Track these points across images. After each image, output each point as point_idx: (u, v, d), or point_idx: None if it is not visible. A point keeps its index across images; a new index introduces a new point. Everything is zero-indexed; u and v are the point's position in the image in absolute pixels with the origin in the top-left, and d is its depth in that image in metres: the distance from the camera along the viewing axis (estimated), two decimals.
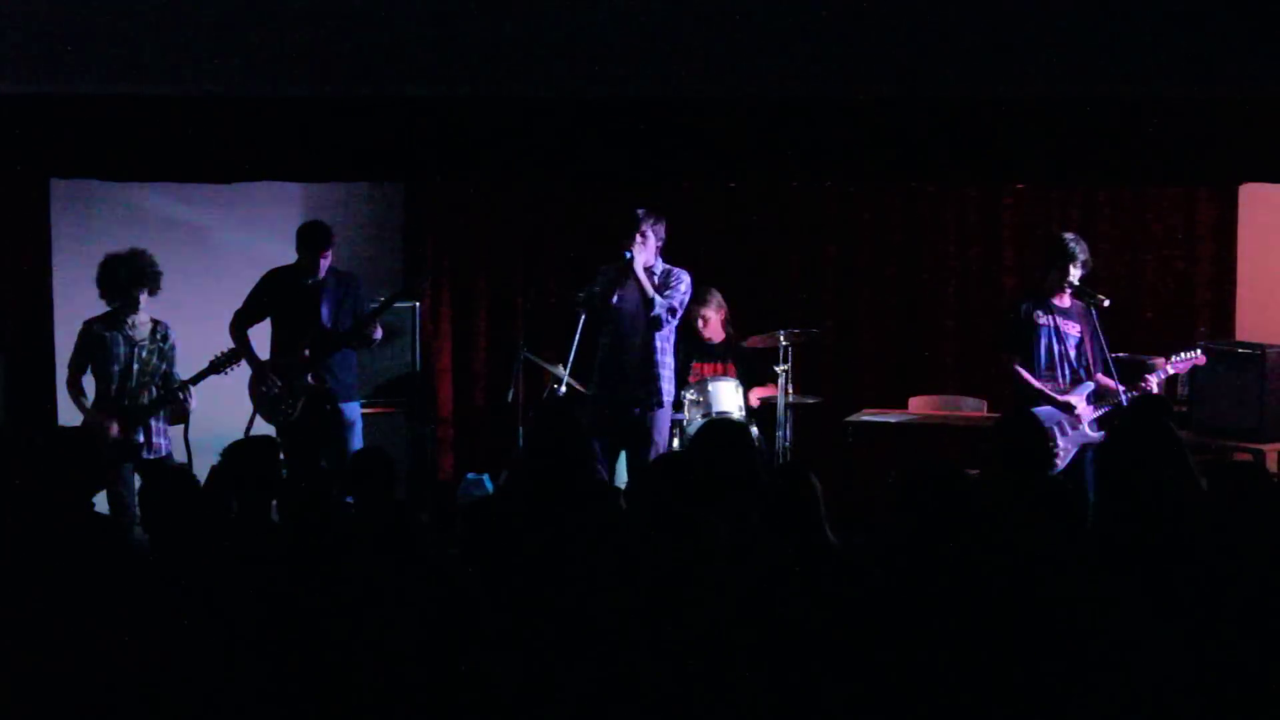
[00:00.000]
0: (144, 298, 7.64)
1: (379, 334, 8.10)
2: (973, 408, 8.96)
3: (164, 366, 7.70)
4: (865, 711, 4.31)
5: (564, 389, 8.25)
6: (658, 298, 7.74)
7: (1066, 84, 7.71)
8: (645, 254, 7.79)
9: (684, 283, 7.86)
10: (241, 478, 5.40)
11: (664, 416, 7.85)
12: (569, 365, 8.22)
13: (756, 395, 8.90)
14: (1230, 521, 4.86)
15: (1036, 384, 7.77)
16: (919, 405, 9.08)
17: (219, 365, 7.67)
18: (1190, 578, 4.61)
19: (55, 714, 4.41)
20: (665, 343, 7.84)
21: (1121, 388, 7.69)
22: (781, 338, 8.67)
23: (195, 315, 8.11)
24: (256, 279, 8.10)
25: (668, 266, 7.89)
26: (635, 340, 7.79)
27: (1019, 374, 7.81)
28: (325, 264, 7.97)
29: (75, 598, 4.59)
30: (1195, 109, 7.84)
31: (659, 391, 7.78)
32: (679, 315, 7.88)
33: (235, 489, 5.39)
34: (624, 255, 7.72)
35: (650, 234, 7.78)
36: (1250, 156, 8.02)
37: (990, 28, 7.40)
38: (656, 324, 7.75)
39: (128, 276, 7.59)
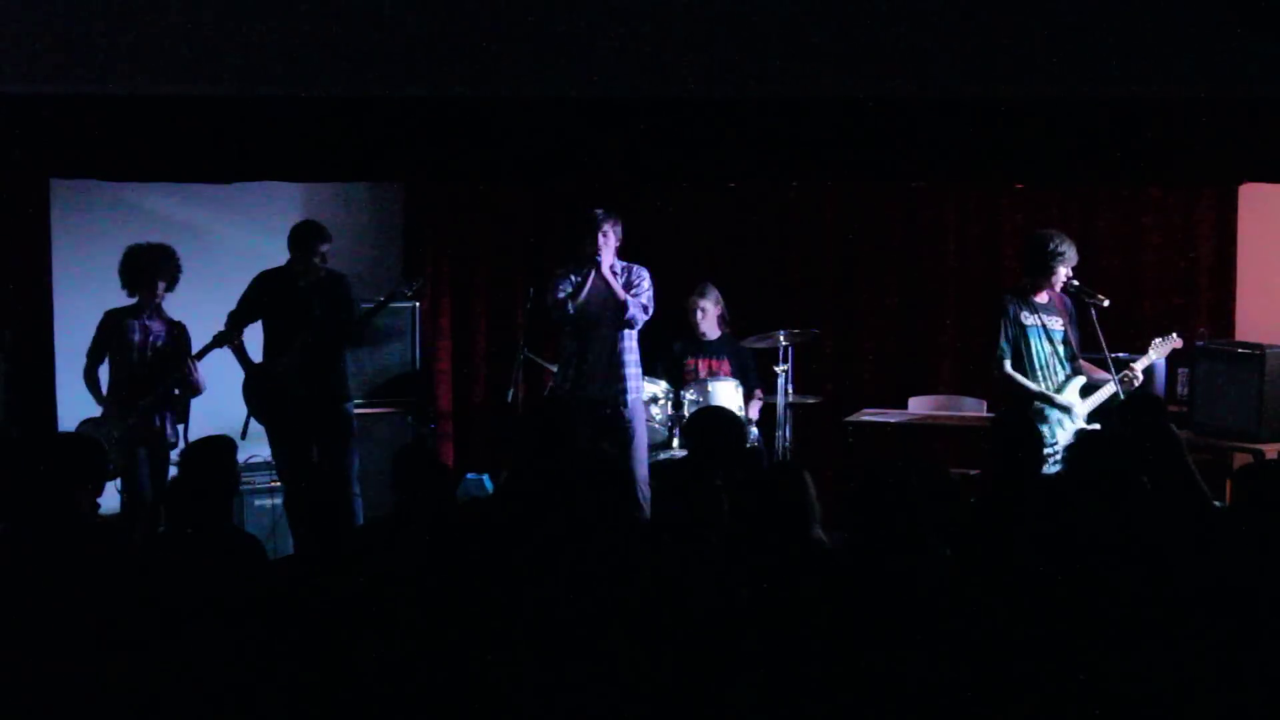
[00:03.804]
0: (161, 289, 7.78)
1: (368, 335, 8.13)
2: (973, 408, 8.97)
3: (175, 361, 7.76)
4: (854, 711, 4.31)
5: None
6: (629, 299, 7.86)
7: (1066, 84, 7.71)
8: (607, 254, 7.92)
9: (647, 279, 8.00)
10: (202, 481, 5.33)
11: (637, 408, 7.94)
12: None
13: (754, 409, 8.90)
14: (1258, 524, 4.86)
15: (1033, 387, 7.75)
16: (919, 405, 9.08)
17: (223, 339, 7.80)
18: (1199, 579, 4.61)
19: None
20: (631, 341, 7.96)
21: (1110, 375, 7.70)
22: (781, 338, 8.68)
23: (195, 315, 8.11)
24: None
25: (626, 264, 8.02)
26: (602, 339, 7.91)
27: (1013, 379, 7.78)
28: (319, 264, 7.97)
29: (74, 602, 4.60)
30: (1195, 109, 7.84)
31: (626, 389, 7.89)
32: (650, 311, 7.98)
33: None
34: (595, 259, 7.85)
35: (610, 233, 7.93)
36: (1250, 156, 8.01)
37: (990, 28, 7.40)
38: (630, 324, 7.88)
39: (148, 266, 7.74)
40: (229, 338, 7.81)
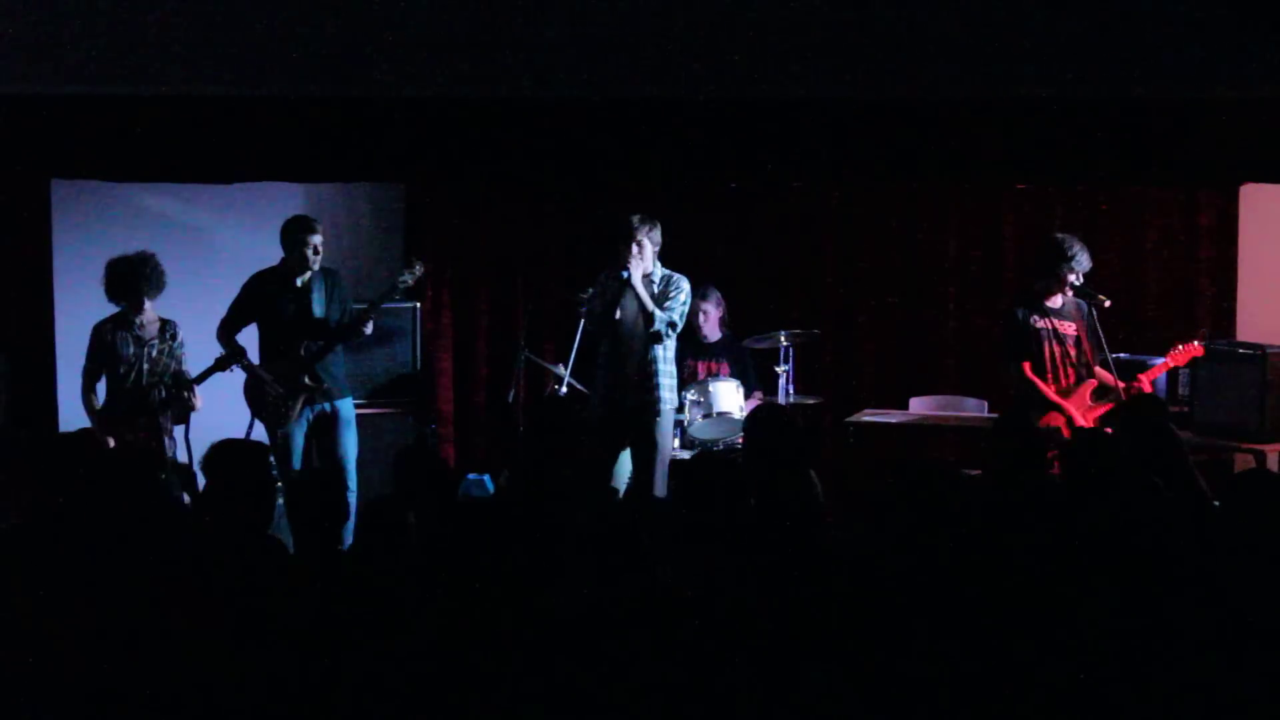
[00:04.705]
0: (148, 305, 7.74)
1: (369, 328, 8.09)
2: (973, 408, 8.95)
3: (173, 365, 7.75)
4: (861, 707, 4.31)
5: (564, 389, 8.25)
6: (658, 312, 7.60)
7: (1066, 84, 7.71)
8: (643, 262, 7.65)
9: (684, 292, 7.73)
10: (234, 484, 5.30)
11: (666, 423, 7.78)
12: (569, 365, 8.22)
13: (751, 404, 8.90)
14: (1248, 531, 4.85)
15: (1050, 392, 7.73)
16: (919, 405, 9.08)
17: (225, 363, 7.70)
18: (1197, 580, 4.61)
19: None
20: (666, 351, 7.73)
21: (1120, 383, 7.68)
22: (782, 338, 8.68)
23: (195, 315, 8.11)
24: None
25: (667, 273, 7.77)
26: (634, 350, 7.67)
27: (1029, 380, 7.76)
28: (315, 260, 7.95)
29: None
30: (1195, 109, 7.84)
31: (659, 400, 7.68)
32: (679, 328, 7.77)
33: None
34: (621, 274, 7.58)
35: (646, 241, 7.63)
36: (1250, 156, 8.02)
37: (991, 28, 7.41)
38: (656, 338, 7.64)
39: (132, 279, 7.66)
40: (233, 359, 7.71)
